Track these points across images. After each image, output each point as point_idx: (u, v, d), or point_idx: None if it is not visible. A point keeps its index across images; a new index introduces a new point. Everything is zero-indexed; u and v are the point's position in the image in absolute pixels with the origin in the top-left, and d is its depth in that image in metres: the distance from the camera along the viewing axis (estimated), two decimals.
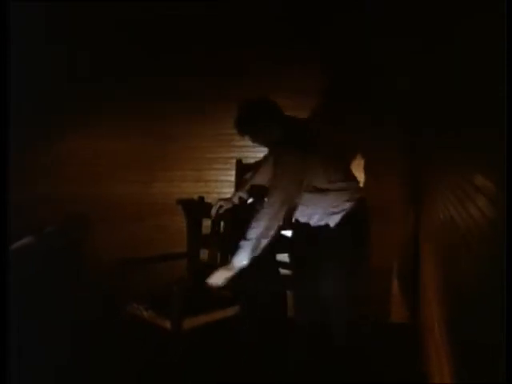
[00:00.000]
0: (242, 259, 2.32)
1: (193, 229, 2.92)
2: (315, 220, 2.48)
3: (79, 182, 3.59)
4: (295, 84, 3.25)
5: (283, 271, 2.78)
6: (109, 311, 2.81)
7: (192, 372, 2.51)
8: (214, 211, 2.70)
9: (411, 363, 2.60)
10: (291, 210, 2.49)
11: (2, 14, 1.81)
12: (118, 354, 2.68)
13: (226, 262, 2.69)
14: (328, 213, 2.43)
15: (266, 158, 2.80)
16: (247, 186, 2.78)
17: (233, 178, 3.15)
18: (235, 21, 3.32)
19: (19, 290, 2.19)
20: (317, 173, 2.40)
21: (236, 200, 2.74)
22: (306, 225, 2.51)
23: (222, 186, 3.35)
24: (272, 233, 2.32)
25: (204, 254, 2.91)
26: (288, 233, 2.80)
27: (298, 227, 2.58)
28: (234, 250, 2.36)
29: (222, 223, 2.84)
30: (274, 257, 2.75)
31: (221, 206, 2.70)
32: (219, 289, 2.43)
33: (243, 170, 3.06)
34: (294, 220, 2.59)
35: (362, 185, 2.89)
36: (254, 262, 2.33)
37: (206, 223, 2.89)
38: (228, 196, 2.85)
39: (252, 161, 3.10)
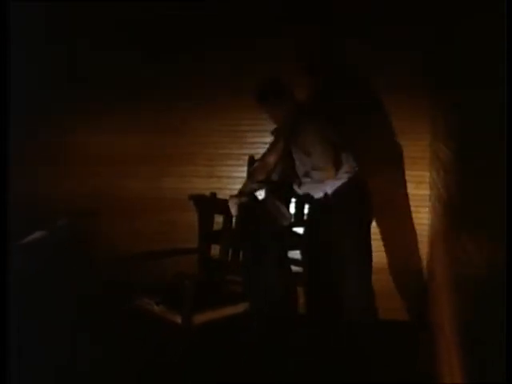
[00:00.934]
0: None
1: (204, 224, 2.93)
2: (326, 190, 2.70)
3: (92, 176, 3.60)
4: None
5: (294, 268, 2.81)
6: (115, 305, 2.81)
7: (195, 370, 2.51)
8: (233, 211, 2.74)
9: (411, 363, 2.60)
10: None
11: (1, 14, 1.81)
12: (118, 353, 2.68)
13: (237, 258, 2.76)
14: (332, 184, 2.67)
15: (273, 143, 2.89)
16: (259, 176, 2.88)
17: (245, 175, 3.15)
18: (246, 17, 3.30)
19: (19, 289, 2.20)
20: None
21: (248, 193, 2.81)
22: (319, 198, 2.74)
23: (234, 183, 3.34)
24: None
25: (215, 249, 2.91)
26: (299, 230, 2.82)
27: (312, 202, 2.82)
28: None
29: (233, 219, 2.84)
30: (286, 253, 2.79)
31: (241, 204, 2.75)
32: (229, 285, 2.45)
33: None
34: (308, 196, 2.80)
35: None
36: (265, 258, 2.35)
37: (217, 219, 2.91)
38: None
39: None
